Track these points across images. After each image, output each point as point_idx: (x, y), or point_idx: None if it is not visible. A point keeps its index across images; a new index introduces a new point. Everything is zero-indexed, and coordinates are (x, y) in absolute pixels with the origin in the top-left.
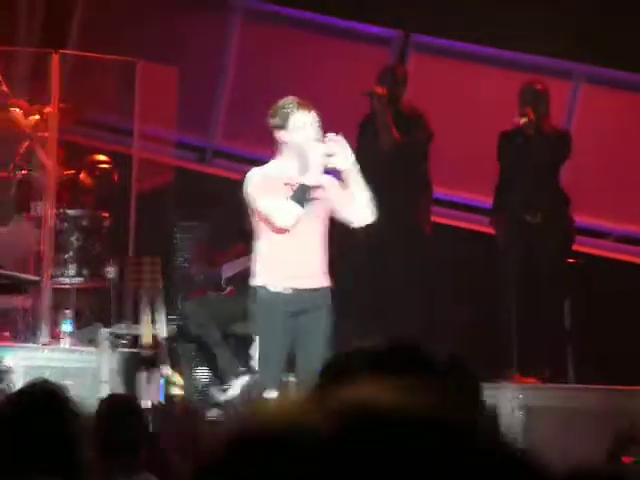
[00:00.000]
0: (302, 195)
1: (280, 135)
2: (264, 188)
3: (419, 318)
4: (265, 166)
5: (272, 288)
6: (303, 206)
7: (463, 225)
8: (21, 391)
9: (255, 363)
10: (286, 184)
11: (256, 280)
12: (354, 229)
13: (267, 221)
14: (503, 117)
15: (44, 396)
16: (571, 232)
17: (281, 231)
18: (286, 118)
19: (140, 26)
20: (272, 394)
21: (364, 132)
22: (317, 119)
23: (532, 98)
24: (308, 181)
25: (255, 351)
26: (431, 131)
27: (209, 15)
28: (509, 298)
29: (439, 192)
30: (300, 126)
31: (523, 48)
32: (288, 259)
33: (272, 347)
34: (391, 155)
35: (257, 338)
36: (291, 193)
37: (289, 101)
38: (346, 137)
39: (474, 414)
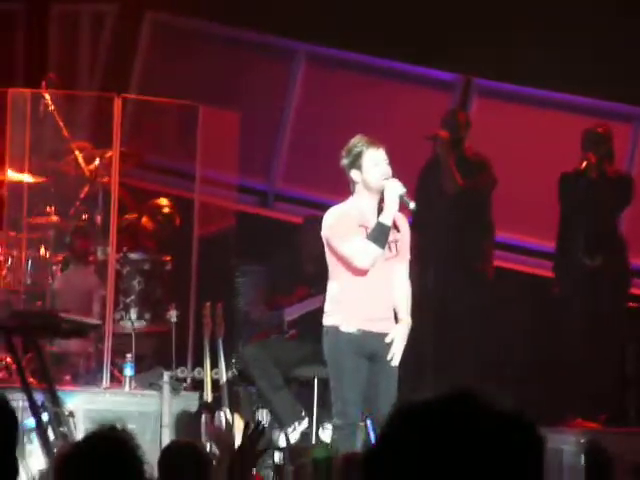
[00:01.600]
0: (379, 235)
1: (353, 174)
2: (341, 228)
3: (480, 361)
4: (341, 205)
5: (344, 328)
6: (381, 246)
7: (525, 269)
8: (89, 438)
9: (335, 405)
10: (360, 225)
11: (328, 320)
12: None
13: (344, 262)
14: (566, 161)
15: (112, 444)
16: (628, 277)
17: (359, 272)
18: (359, 157)
19: (202, 71)
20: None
21: (427, 176)
22: (386, 156)
23: (594, 141)
24: (385, 220)
25: (334, 392)
26: (494, 177)
27: (273, 60)
28: (571, 340)
29: (501, 236)
30: (373, 164)
31: (585, 92)
32: (361, 301)
33: (350, 388)
34: (454, 199)
35: (333, 379)
36: (367, 233)
37: (359, 139)
38: (410, 181)
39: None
